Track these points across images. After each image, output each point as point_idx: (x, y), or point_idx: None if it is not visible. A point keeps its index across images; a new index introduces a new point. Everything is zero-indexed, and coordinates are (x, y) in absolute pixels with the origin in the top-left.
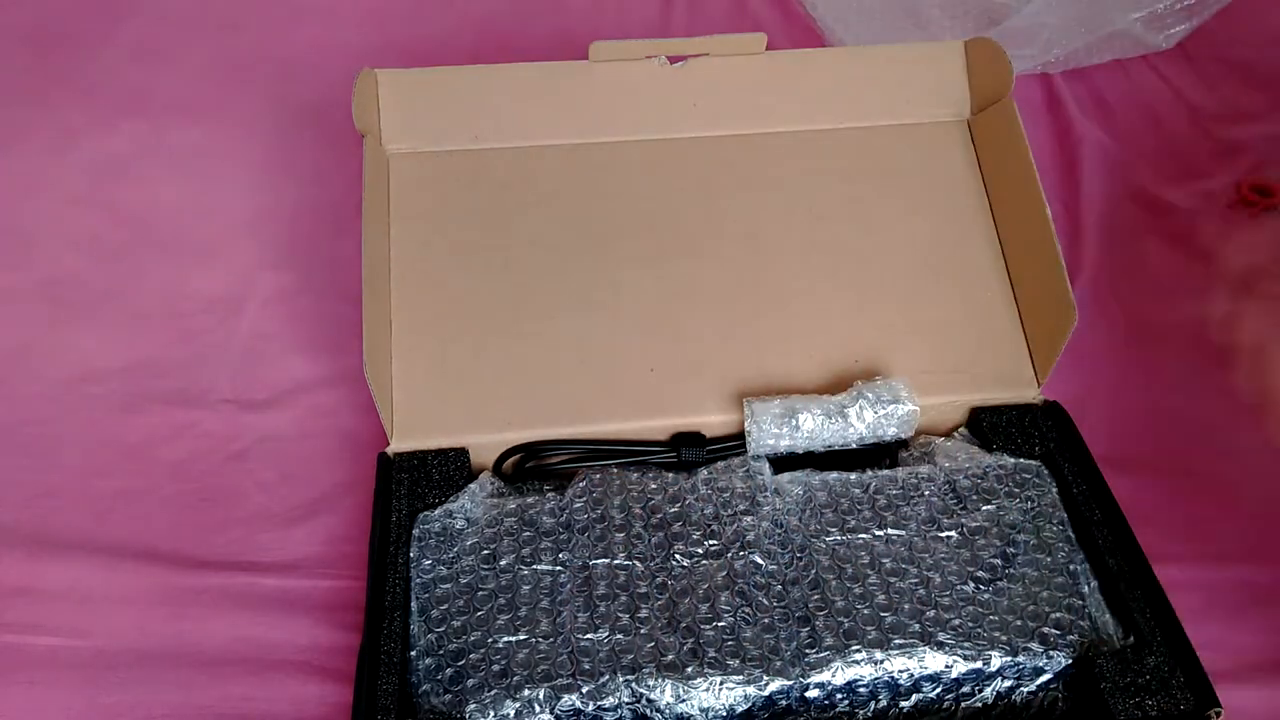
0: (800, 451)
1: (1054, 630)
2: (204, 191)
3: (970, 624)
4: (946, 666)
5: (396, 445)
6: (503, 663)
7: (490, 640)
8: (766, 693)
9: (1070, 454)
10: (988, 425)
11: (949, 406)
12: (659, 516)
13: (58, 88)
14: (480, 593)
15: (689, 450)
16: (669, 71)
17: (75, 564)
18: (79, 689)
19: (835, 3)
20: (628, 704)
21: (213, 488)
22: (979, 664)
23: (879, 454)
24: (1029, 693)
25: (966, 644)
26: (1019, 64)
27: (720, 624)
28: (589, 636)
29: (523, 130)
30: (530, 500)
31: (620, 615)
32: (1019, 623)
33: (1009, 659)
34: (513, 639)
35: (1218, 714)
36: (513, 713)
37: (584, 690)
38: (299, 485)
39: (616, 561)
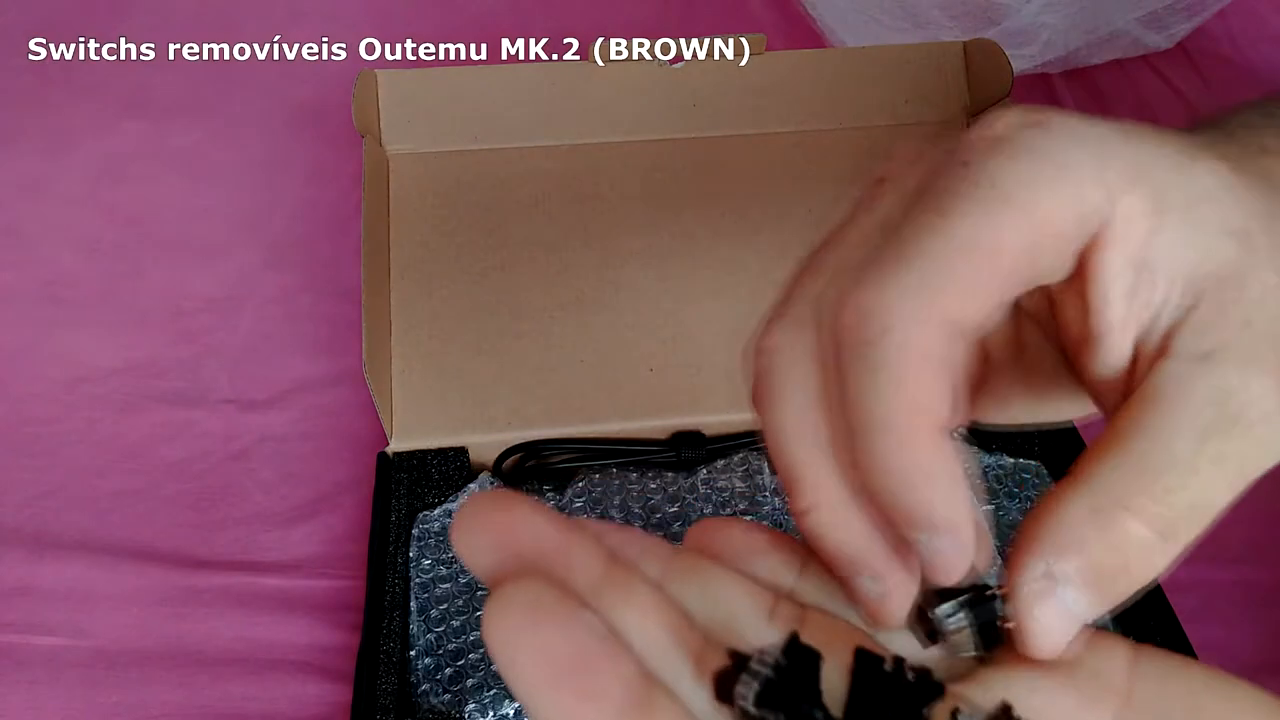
0: None
1: None
2: (204, 191)
3: None
4: None
5: (396, 445)
6: None
7: None
8: None
9: (1070, 454)
10: (987, 425)
11: None
12: (659, 516)
13: (58, 88)
14: (480, 592)
15: (689, 450)
16: (669, 71)
17: (75, 564)
18: (79, 689)
19: (835, 3)
20: None
21: (213, 488)
22: None
23: None
24: None
25: None
26: (1019, 64)
27: None
28: None
29: (523, 130)
30: None
31: None
32: None
33: None
34: None
35: None
36: (512, 712)
37: None
38: (299, 485)
39: None
